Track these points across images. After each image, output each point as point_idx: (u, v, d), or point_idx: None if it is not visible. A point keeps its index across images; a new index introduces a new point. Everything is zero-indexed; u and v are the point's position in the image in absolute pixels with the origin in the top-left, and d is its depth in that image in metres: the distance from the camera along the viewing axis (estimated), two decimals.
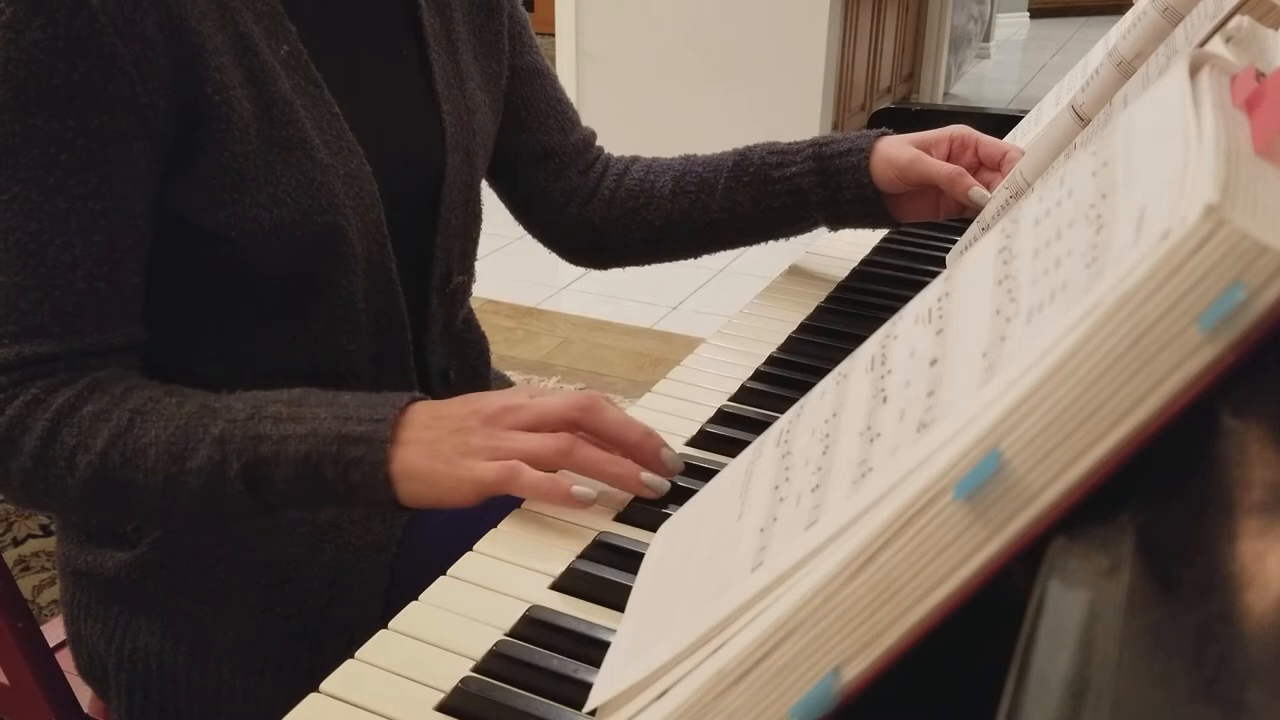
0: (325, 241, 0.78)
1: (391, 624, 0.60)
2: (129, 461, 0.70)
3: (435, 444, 0.68)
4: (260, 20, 0.76)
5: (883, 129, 0.99)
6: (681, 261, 1.07)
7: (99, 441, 0.70)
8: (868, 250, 1.12)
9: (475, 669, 0.56)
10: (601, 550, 0.65)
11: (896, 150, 0.95)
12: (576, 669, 0.56)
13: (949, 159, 0.96)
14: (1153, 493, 0.36)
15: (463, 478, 0.67)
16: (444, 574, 0.63)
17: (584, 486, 0.67)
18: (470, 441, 0.68)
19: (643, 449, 0.69)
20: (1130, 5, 0.97)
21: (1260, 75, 0.45)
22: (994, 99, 5.14)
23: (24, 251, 0.69)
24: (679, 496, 0.67)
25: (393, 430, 0.68)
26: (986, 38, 5.78)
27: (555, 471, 0.68)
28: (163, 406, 0.71)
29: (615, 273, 1.14)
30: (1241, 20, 0.70)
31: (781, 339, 0.93)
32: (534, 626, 0.59)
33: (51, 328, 0.70)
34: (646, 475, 0.68)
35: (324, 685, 0.55)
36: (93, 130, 0.69)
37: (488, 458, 0.67)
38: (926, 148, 0.96)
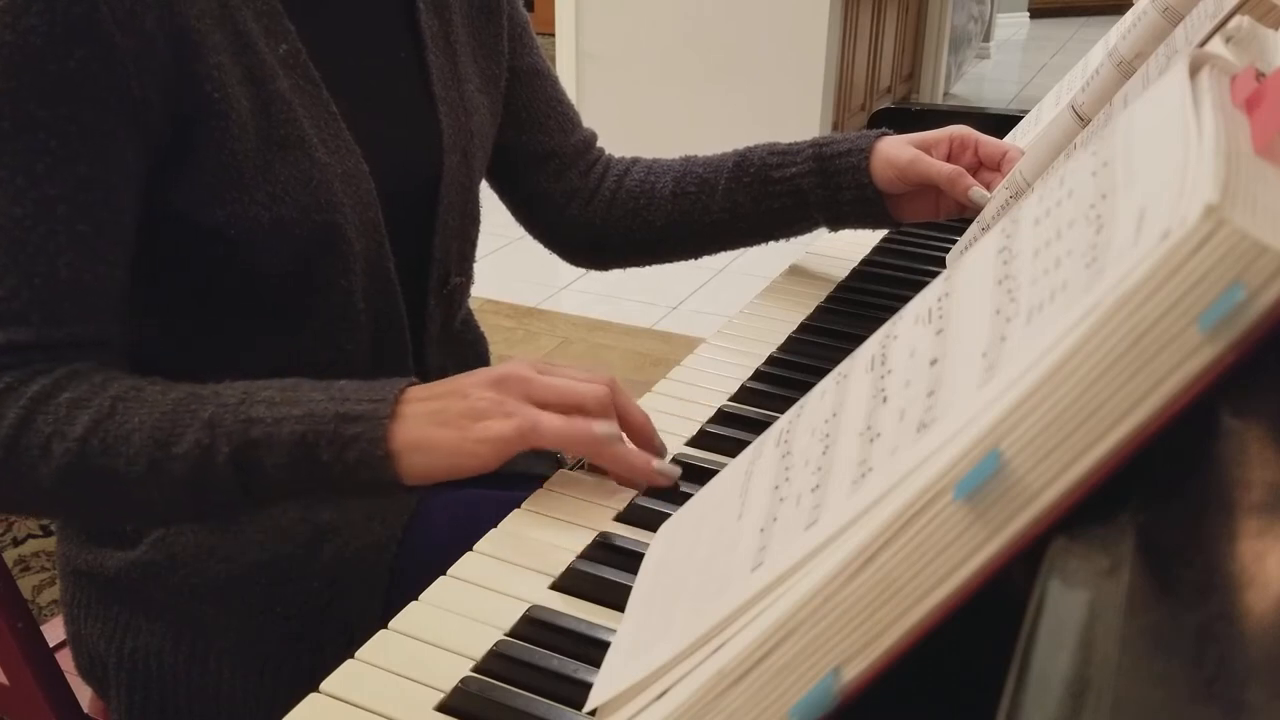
0: (324, 240, 0.78)
1: (391, 624, 0.60)
2: (110, 448, 0.67)
3: (440, 412, 0.67)
4: (259, 19, 0.76)
5: (883, 129, 0.99)
6: (681, 262, 1.07)
7: (77, 428, 0.67)
8: (868, 250, 1.12)
9: (475, 669, 0.56)
10: (601, 550, 0.65)
11: (896, 150, 0.95)
12: (576, 669, 0.56)
13: (949, 159, 0.96)
14: (1153, 493, 0.36)
15: (479, 438, 0.66)
16: (444, 574, 0.63)
17: (605, 424, 0.67)
18: (477, 406, 0.67)
19: (643, 431, 0.70)
20: (1130, 5, 0.97)
21: (1260, 75, 0.45)
22: (994, 99, 5.15)
23: (6, 237, 0.68)
24: (679, 497, 0.67)
25: (393, 407, 0.67)
26: (986, 38, 5.78)
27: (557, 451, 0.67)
28: (146, 394, 0.69)
29: (615, 273, 1.14)
30: (1241, 20, 0.70)
31: (781, 339, 0.93)
32: (534, 626, 0.59)
33: (29, 315, 0.69)
34: (659, 462, 0.69)
35: (324, 685, 0.55)
36: (86, 120, 0.68)
37: (500, 417, 0.66)
38: (926, 148, 0.96)
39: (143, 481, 0.68)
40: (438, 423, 0.66)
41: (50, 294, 0.69)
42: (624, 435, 0.70)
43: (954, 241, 0.98)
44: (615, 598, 0.60)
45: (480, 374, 0.70)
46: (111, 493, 0.69)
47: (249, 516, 0.80)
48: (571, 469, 0.74)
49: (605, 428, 0.67)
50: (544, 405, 0.68)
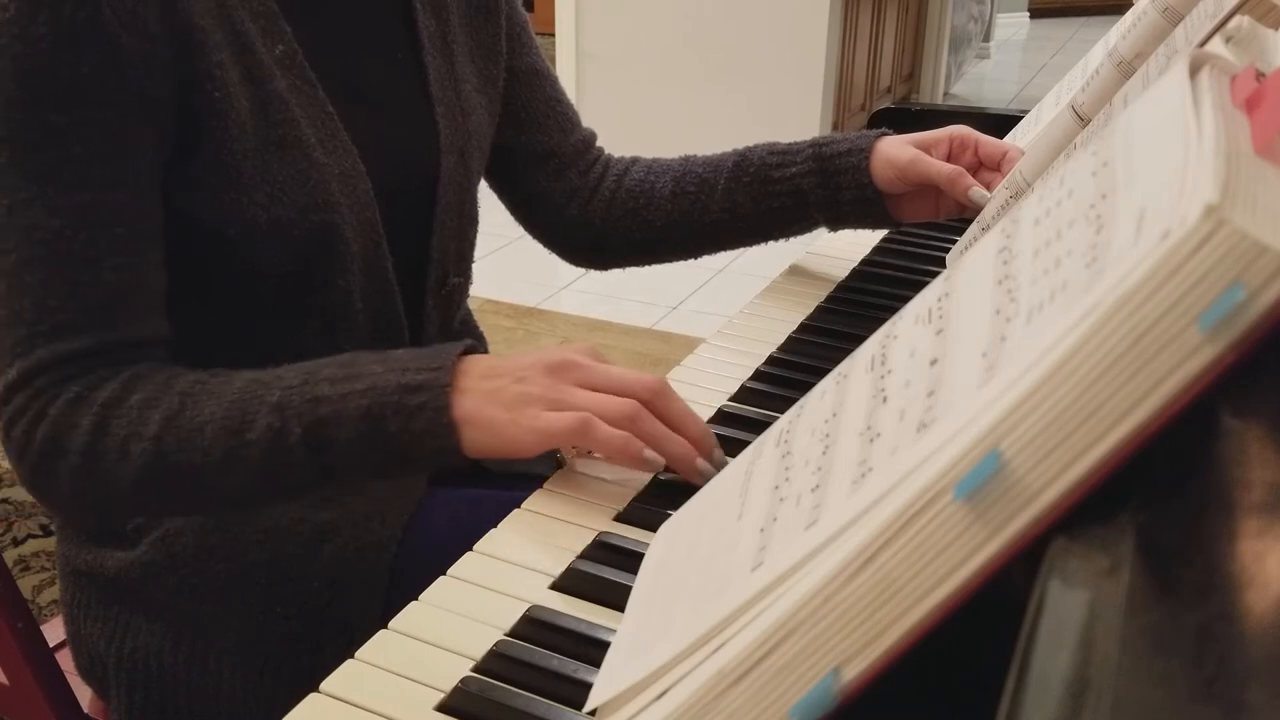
0: (321, 240, 0.78)
1: (391, 624, 0.60)
2: (185, 442, 0.69)
3: (496, 392, 0.67)
4: (256, 19, 0.76)
5: (882, 129, 0.99)
6: (681, 261, 1.07)
7: (151, 427, 0.69)
8: (868, 250, 1.12)
9: (475, 669, 0.56)
10: (601, 550, 0.65)
11: (896, 150, 0.95)
12: (576, 669, 0.56)
13: (949, 159, 0.96)
14: (1153, 493, 0.36)
15: (527, 426, 0.66)
16: (444, 574, 0.63)
17: (654, 453, 0.67)
18: (531, 391, 0.67)
19: (701, 445, 0.69)
20: (1130, 5, 0.97)
21: (1260, 75, 0.45)
22: (994, 99, 5.15)
23: (49, 249, 0.68)
24: (680, 497, 0.67)
25: (451, 376, 0.68)
26: (986, 38, 5.78)
27: None
28: (211, 386, 0.71)
29: (615, 273, 1.14)
30: (1241, 20, 0.70)
31: (781, 339, 0.93)
32: (534, 626, 0.59)
33: (83, 323, 0.70)
34: (701, 461, 0.69)
35: (324, 685, 0.55)
36: (105, 123, 0.69)
37: (548, 408, 0.67)
38: (926, 148, 0.96)
39: (220, 470, 0.69)
40: (494, 402, 0.67)
41: (100, 299, 0.70)
42: (676, 437, 0.69)
43: (954, 241, 0.98)
44: (615, 598, 0.60)
45: (538, 357, 0.70)
46: (192, 485, 0.70)
47: (321, 493, 0.80)
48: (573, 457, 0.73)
49: (654, 456, 0.67)
50: (596, 391, 0.68)
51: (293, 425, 0.68)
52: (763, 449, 0.57)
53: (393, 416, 0.67)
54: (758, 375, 0.87)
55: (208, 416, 0.69)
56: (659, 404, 0.69)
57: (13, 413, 0.71)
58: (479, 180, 0.96)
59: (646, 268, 1.10)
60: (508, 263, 3.05)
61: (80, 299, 0.70)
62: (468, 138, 0.90)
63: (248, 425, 0.68)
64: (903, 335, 0.51)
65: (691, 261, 1.07)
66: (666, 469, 0.69)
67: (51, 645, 0.93)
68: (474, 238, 0.96)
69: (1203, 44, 0.69)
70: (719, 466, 0.69)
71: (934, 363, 0.46)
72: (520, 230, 1.09)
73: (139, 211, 0.72)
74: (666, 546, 0.60)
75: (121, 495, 0.71)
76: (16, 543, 1.90)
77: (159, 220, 0.74)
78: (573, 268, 1.12)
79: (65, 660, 0.92)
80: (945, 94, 4.90)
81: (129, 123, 0.70)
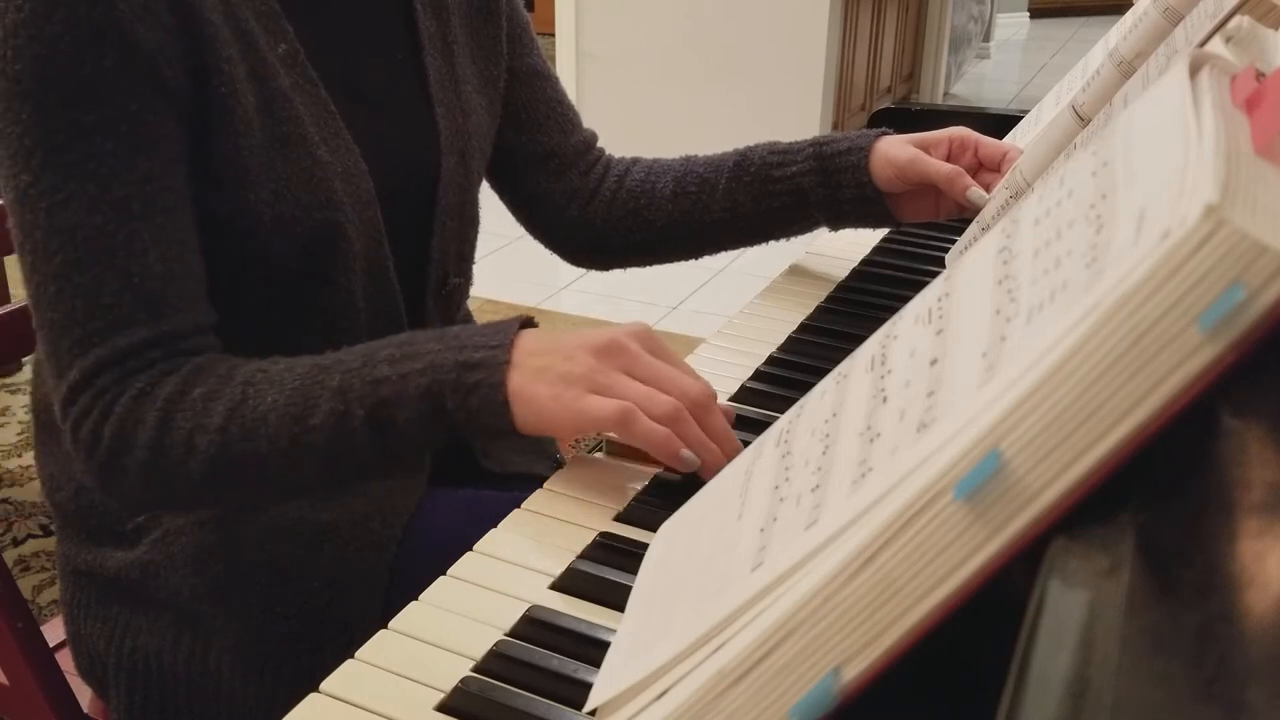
0: (325, 238, 0.79)
1: (391, 624, 0.60)
2: (250, 432, 0.70)
3: (543, 370, 0.68)
4: (259, 19, 0.76)
5: (882, 129, 0.99)
6: (682, 262, 1.07)
7: (215, 419, 0.70)
8: (868, 250, 1.12)
9: (475, 669, 0.56)
10: (602, 550, 0.65)
11: (896, 150, 0.95)
12: (576, 669, 0.56)
13: (948, 160, 0.96)
14: (1153, 493, 0.36)
15: (568, 406, 0.67)
16: (444, 574, 0.63)
17: (691, 453, 0.67)
18: (575, 372, 0.68)
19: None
20: (1130, 5, 0.97)
21: (1260, 75, 0.45)
22: (994, 99, 5.15)
23: (94, 247, 0.69)
24: (679, 497, 0.67)
25: (508, 354, 0.69)
26: (986, 38, 5.78)
27: None
28: (272, 374, 0.71)
29: (615, 272, 1.14)
30: (1241, 20, 0.70)
31: (781, 339, 0.93)
32: (534, 626, 0.59)
33: (138, 315, 0.70)
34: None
35: (324, 685, 0.55)
36: (132, 114, 0.69)
37: (591, 389, 0.67)
38: (926, 148, 0.96)
39: (286, 456, 0.70)
40: (540, 380, 0.68)
41: (150, 290, 0.71)
42: (711, 445, 0.69)
43: (954, 241, 0.98)
44: (615, 598, 0.60)
45: (588, 337, 0.70)
46: (259, 473, 0.71)
47: (378, 474, 0.80)
48: (590, 451, 0.73)
49: (690, 456, 0.67)
50: (643, 382, 0.68)
51: (355, 408, 0.69)
52: (763, 449, 0.57)
53: (451, 394, 0.68)
54: (758, 375, 0.87)
55: (270, 405, 0.70)
56: (699, 413, 0.68)
57: (79, 413, 0.71)
58: (480, 181, 0.96)
59: (647, 268, 1.10)
60: (508, 263, 3.05)
61: (131, 292, 0.70)
62: (468, 138, 0.90)
63: (311, 411, 0.69)
64: (903, 335, 0.51)
65: (691, 261, 1.07)
66: (667, 468, 0.69)
67: (51, 645, 0.93)
68: (475, 238, 0.96)
69: (1203, 44, 0.69)
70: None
71: (934, 363, 0.46)
72: (520, 230, 1.09)
73: (174, 200, 0.72)
74: (666, 546, 0.60)
75: (191, 487, 0.72)
76: (17, 543, 1.90)
77: (191, 208, 0.74)
78: (573, 268, 1.13)
79: (65, 660, 0.92)
80: (945, 94, 4.90)
81: (154, 114, 0.70)
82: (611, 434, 0.70)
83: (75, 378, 0.71)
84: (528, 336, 0.70)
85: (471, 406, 0.68)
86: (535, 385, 0.68)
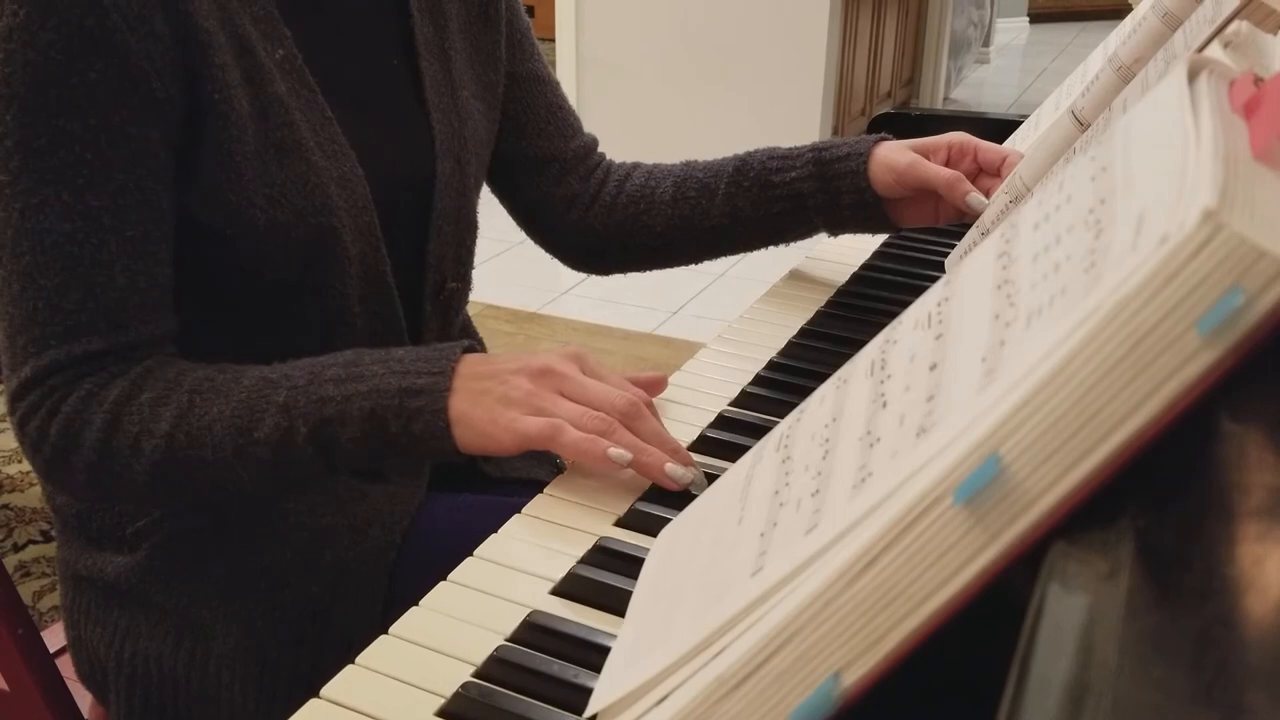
0: (320, 243, 0.79)
1: (392, 629, 0.60)
2: (195, 439, 0.71)
3: (482, 393, 0.70)
4: (257, 23, 0.76)
5: (882, 134, 0.99)
6: (682, 266, 1.07)
7: (163, 425, 0.72)
8: (867, 255, 1.12)
9: (475, 674, 0.56)
10: (602, 555, 0.65)
11: (895, 155, 0.95)
12: (577, 674, 0.56)
13: (948, 165, 0.96)
14: (1152, 497, 0.36)
15: (505, 426, 0.69)
16: (444, 579, 0.63)
17: (620, 449, 0.69)
18: (512, 395, 0.70)
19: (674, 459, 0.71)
20: (1129, 10, 0.97)
21: (1258, 80, 0.46)
22: (993, 104, 5.15)
23: (62, 253, 0.70)
24: (680, 502, 0.67)
25: (450, 380, 0.71)
26: (986, 42, 5.79)
27: None
28: (219, 384, 0.73)
29: (615, 277, 1.14)
30: (1240, 25, 0.70)
31: (781, 344, 0.93)
32: (534, 632, 0.59)
33: (97, 325, 0.72)
34: (670, 465, 0.70)
35: (324, 690, 0.55)
36: (115, 127, 0.70)
37: (527, 412, 0.70)
38: (925, 153, 0.96)
39: (230, 465, 0.72)
40: (479, 403, 0.70)
41: (112, 301, 0.72)
42: (646, 447, 0.71)
43: (953, 247, 0.98)
44: (615, 603, 0.60)
45: (525, 362, 0.72)
46: (202, 479, 0.73)
47: (323, 482, 0.82)
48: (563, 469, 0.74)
49: (619, 452, 0.69)
50: (575, 402, 0.71)
51: (299, 425, 0.71)
52: (763, 454, 0.57)
53: (394, 419, 0.70)
54: (758, 380, 0.87)
55: (216, 415, 0.72)
56: (630, 422, 0.71)
57: (26, 409, 0.73)
58: (478, 187, 0.96)
59: (647, 272, 1.10)
60: (508, 267, 3.05)
61: (93, 301, 0.71)
62: (464, 143, 0.90)
63: (256, 424, 0.71)
64: (902, 340, 0.51)
65: (692, 266, 1.07)
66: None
67: (52, 651, 0.93)
68: (473, 244, 0.96)
69: (1201, 49, 0.70)
70: (696, 481, 0.71)
71: (933, 367, 0.46)
72: (521, 235, 1.09)
73: (149, 213, 0.73)
74: (667, 551, 0.60)
75: (136, 486, 0.74)
76: (17, 548, 1.90)
77: (169, 220, 0.75)
78: (573, 272, 1.13)
79: (66, 666, 0.92)
80: (945, 99, 4.90)
81: (138, 126, 0.71)
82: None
83: (27, 374, 0.72)
84: (468, 362, 0.72)
85: (414, 432, 0.70)
86: (475, 409, 0.70)
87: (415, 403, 0.70)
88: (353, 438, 0.71)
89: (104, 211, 0.71)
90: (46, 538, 1.91)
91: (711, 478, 0.65)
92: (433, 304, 0.91)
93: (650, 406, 0.74)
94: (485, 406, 0.70)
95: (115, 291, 0.72)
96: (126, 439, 0.72)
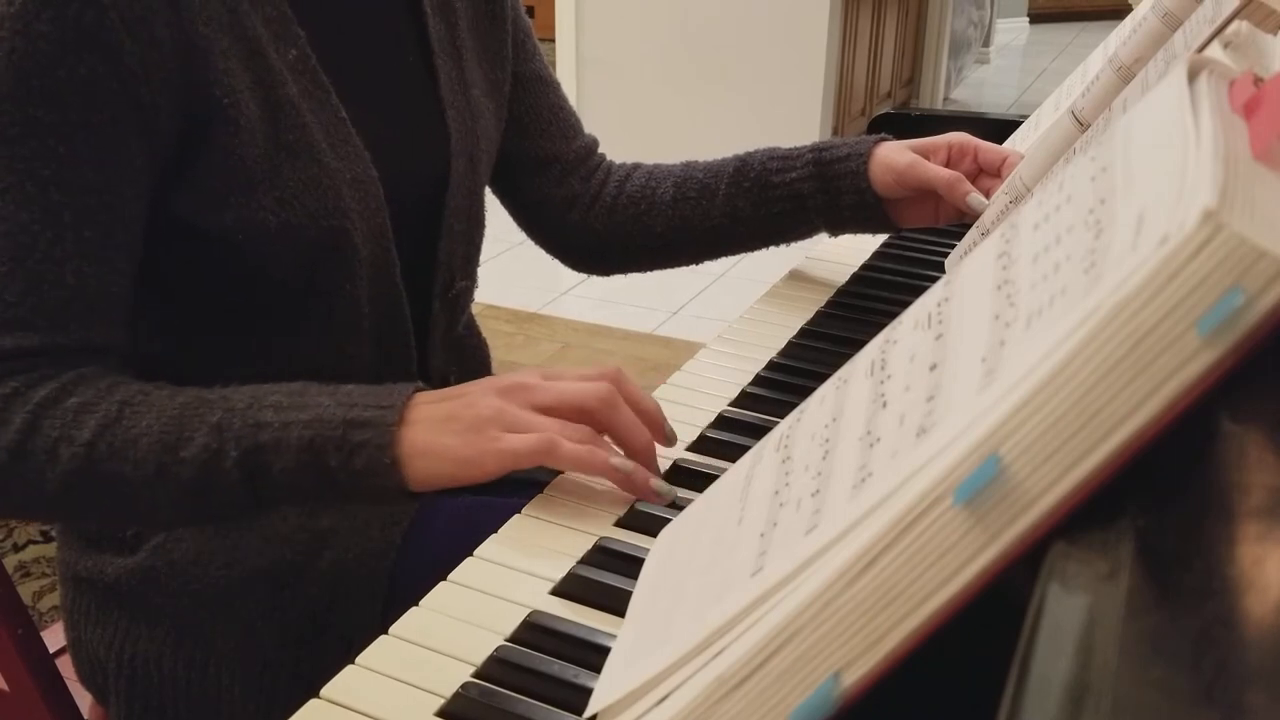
0: (330, 245, 0.78)
1: (392, 629, 0.60)
2: (117, 452, 0.67)
3: (449, 420, 0.67)
4: (269, 24, 0.76)
5: (881, 134, 0.99)
6: (682, 267, 1.07)
7: (85, 433, 0.68)
8: (868, 255, 1.12)
9: (475, 674, 0.56)
10: (602, 555, 0.65)
11: (895, 155, 0.95)
12: (577, 674, 0.56)
13: (948, 165, 0.96)
14: (1152, 497, 0.36)
15: (486, 448, 0.66)
16: (444, 579, 0.63)
17: (623, 459, 0.68)
18: (484, 415, 0.67)
19: (642, 458, 0.70)
20: (1129, 10, 0.97)
21: (1258, 80, 0.46)
22: (994, 104, 5.15)
23: (13, 242, 0.68)
24: (679, 503, 0.67)
25: (400, 413, 0.67)
26: (986, 43, 5.79)
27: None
28: (154, 398, 0.70)
29: (616, 277, 1.14)
30: (1240, 25, 0.70)
31: (781, 344, 0.93)
32: (534, 632, 0.59)
33: (36, 321, 0.69)
34: (656, 481, 0.69)
35: (324, 691, 0.55)
36: (94, 126, 0.69)
37: (506, 429, 0.67)
38: (925, 154, 0.96)
39: (150, 485, 0.68)
40: (447, 430, 0.66)
41: (56, 300, 0.69)
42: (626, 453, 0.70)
43: (953, 247, 0.98)
44: (616, 603, 0.60)
45: (486, 382, 0.70)
46: (117, 496, 0.69)
47: (250, 520, 0.80)
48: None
49: (622, 462, 0.68)
50: (548, 411, 0.68)
51: (230, 448, 0.67)
52: (763, 454, 0.57)
53: (334, 451, 0.66)
54: (758, 380, 0.87)
55: (144, 429, 0.68)
56: (604, 414, 0.69)
57: None
58: (486, 184, 0.96)
59: (647, 273, 1.10)
60: (509, 267, 3.05)
61: (36, 296, 0.69)
62: (476, 142, 0.90)
63: (184, 442, 0.67)
64: (902, 340, 0.51)
65: (692, 266, 1.07)
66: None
67: (52, 651, 0.93)
68: (480, 242, 0.96)
69: (1201, 49, 0.70)
70: (669, 440, 0.71)
71: (933, 368, 0.46)
72: (521, 235, 1.09)
73: (113, 218, 0.71)
74: (667, 551, 0.60)
75: (43, 498, 0.69)
76: (17, 548, 1.90)
77: (134, 230, 0.73)
78: (573, 272, 1.13)
79: (65, 667, 0.92)
80: (945, 99, 4.90)
81: (119, 129, 0.70)
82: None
83: None
84: (423, 395, 0.69)
85: (355, 467, 0.66)
86: (442, 438, 0.66)
87: (359, 435, 0.66)
88: (286, 468, 0.66)
89: (65, 207, 0.69)
90: (46, 538, 1.91)
91: (711, 478, 0.65)
92: (441, 303, 0.91)
93: (622, 379, 0.71)
94: (455, 433, 0.66)
95: (61, 290, 0.69)
96: (44, 443, 0.67)
